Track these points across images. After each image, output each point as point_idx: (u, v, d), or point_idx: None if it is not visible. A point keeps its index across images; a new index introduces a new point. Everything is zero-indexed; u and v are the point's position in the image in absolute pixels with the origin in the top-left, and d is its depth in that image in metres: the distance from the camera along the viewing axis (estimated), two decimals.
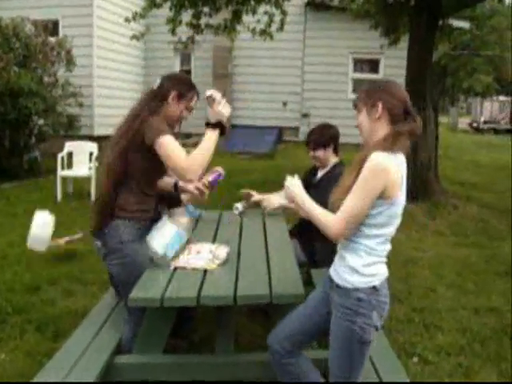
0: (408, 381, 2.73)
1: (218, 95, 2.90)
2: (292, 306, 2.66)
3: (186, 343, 3.52)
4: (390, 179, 2.11)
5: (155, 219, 3.10)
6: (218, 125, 2.88)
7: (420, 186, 8.34)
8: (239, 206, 4.11)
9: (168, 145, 2.76)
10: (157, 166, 2.92)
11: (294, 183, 2.41)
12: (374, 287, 2.20)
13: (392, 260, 5.89)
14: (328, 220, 2.19)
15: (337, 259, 2.34)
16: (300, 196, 2.36)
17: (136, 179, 2.93)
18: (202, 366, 2.84)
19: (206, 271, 2.79)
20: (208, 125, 2.90)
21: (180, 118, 3.03)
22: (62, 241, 5.67)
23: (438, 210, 7.98)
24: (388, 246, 2.28)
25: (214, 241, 3.27)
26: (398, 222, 2.25)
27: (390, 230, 2.24)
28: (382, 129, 2.24)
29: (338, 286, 2.26)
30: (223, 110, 2.89)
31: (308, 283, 3.44)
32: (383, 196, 2.13)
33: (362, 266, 2.20)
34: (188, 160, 2.76)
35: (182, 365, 2.84)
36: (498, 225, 7.52)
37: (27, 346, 3.64)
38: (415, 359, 3.60)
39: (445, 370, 3.48)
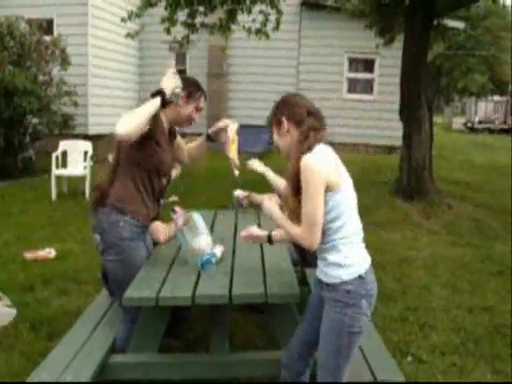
0: (403, 380, 2.74)
1: (169, 70, 2.91)
2: (287, 306, 2.67)
3: (180, 343, 3.52)
4: (325, 174, 2.22)
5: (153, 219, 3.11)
6: (159, 93, 2.83)
7: (415, 185, 8.39)
8: (240, 193, 4.00)
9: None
10: (147, 157, 2.93)
11: (270, 205, 2.52)
12: (360, 276, 2.27)
13: (387, 260, 5.91)
14: (298, 234, 2.31)
15: (320, 262, 2.40)
16: (274, 217, 2.46)
17: (131, 172, 2.93)
18: (198, 365, 2.84)
19: (200, 272, 2.80)
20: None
21: (190, 118, 3.08)
22: (32, 255, 5.54)
23: (433, 209, 8.01)
24: (358, 224, 2.37)
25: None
26: (353, 201, 2.35)
27: (351, 211, 2.33)
28: (294, 136, 2.38)
29: (327, 284, 2.32)
30: (167, 82, 2.87)
31: (303, 282, 3.45)
32: (327, 190, 2.23)
33: (344, 258, 2.28)
34: (122, 117, 2.72)
35: (178, 364, 2.84)
36: (493, 224, 7.54)
37: (22, 345, 3.63)
38: (409, 358, 3.61)
39: (439, 368, 3.49)
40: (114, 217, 2.92)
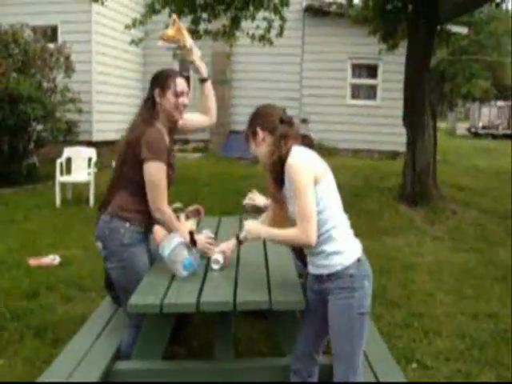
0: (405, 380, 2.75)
1: (209, 234, 3.15)
2: (291, 312, 2.66)
3: (185, 349, 3.52)
4: (311, 168, 2.34)
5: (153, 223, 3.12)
6: (192, 235, 2.97)
7: (419, 191, 8.37)
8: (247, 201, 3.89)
9: (155, 174, 2.86)
10: None
11: (253, 227, 2.60)
12: (359, 259, 2.39)
13: (391, 266, 5.90)
14: (294, 234, 2.37)
15: (316, 258, 2.43)
16: (263, 233, 2.55)
17: (134, 182, 2.94)
18: (202, 371, 2.83)
19: (204, 277, 2.80)
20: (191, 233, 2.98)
21: (176, 105, 3.00)
22: (37, 262, 5.55)
23: (437, 215, 7.99)
24: (344, 214, 2.47)
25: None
26: (336, 193, 2.45)
27: (335, 202, 2.43)
28: (269, 144, 2.50)
29: (329, 275, 2.37)
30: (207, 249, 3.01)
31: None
32: (314, 183, 2.33)
33: (340, 244, 2.38)
34: (164, 208, 2.90)
35: (182, 371, 2.83)
36: (497, 230, 7.53)
37: (26, 351, 3.64)
38: (414, 365, 3.60)
39: (444, 375, 3.48)
40: (114, 224, 2.93)
